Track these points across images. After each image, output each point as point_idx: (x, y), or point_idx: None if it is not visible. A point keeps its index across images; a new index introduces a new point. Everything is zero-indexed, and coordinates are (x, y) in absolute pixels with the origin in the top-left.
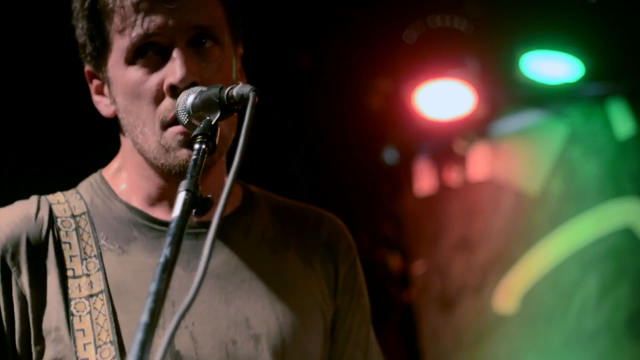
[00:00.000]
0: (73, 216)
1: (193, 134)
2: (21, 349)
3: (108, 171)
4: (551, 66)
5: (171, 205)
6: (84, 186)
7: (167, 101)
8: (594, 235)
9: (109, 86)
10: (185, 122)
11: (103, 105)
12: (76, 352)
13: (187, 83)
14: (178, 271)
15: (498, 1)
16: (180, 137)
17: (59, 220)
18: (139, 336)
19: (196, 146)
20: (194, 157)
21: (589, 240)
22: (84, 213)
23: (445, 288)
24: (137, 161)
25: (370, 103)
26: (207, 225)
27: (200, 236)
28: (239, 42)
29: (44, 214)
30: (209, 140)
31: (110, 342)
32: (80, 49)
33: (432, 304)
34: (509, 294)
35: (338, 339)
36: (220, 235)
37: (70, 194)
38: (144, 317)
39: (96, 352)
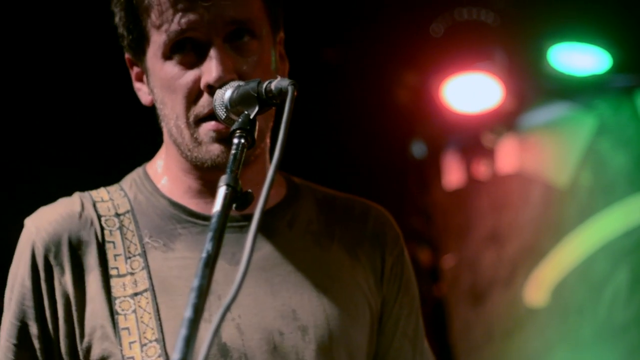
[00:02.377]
0: (117, 215)
1: (232, 129)
2: (67, 348)
3: (152, 166)
4: (579, 58)
5: (212, 197)
6: (128, 182)
7: (204, 98)
8: (623, 227)
9: (147, 76)
10: (223, 117)
11: (143, 92)
12: (122, 351)
13: (223, 82)
14: (223, 265)
15: None
16: (213, 134)
17: (102, 219)
18: (183, 332)
19: (235, 140)
20: (233, 151)
21: (619, 232)
22: (127, 211)
23: (475, 281)
24: (175, 153)
25: (398, 97)
26: (250, 217)
27: (245, 229)
28: (279, 29)
29: (88, 213)
30: (248, 135)
31: (156, 340)
32: (120, 37)
33: (462, 297)
34: (539, 286)
35: (386, 330)
36: (265, 227)
37: (114, 190)
38: (188, 313)
39: (142, 351)
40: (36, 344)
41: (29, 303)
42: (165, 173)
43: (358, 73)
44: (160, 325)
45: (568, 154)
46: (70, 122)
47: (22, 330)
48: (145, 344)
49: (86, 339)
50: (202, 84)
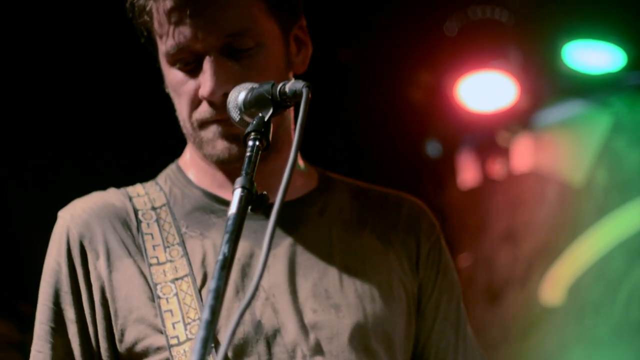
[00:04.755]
0: (153, 208)
1: (246, 131)
2: (105, 331)
3: (182, 159)
4: (593, 56)
5: None
6: (163, 177)
7: (204, 106)
8: (639, 225)
9: (163, 72)
10: (237, 119)
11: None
12: (165, 332)
13: (217, 96)
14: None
15: None
16: (216, 132)
17: (139, 212)
18: (200, 333)
19: (250, 143)
20: (248, 153)
21: (635, 230)
22: (164, 205)
23: (491, 280)
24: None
25: (412, 96)
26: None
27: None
28: (294, 20)
29: (123, 205)
30: (263, 137)
31: (199, 318)
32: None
33: (478, 296)
34: (555, 285)
35: (426, 314)
36: (296, 214)
37: (150, 185)
38: (205, 315)
39: (185, 329)
40: (72, 328)
41: (66, 288)
42: (192, 165)
43: (372, 72)
44: (202, 305)
45: (583, 152)
46: (103, 120)
47: (59, 315)
48: (188, 323)
49: (120, 321)
50: (199, 95)
